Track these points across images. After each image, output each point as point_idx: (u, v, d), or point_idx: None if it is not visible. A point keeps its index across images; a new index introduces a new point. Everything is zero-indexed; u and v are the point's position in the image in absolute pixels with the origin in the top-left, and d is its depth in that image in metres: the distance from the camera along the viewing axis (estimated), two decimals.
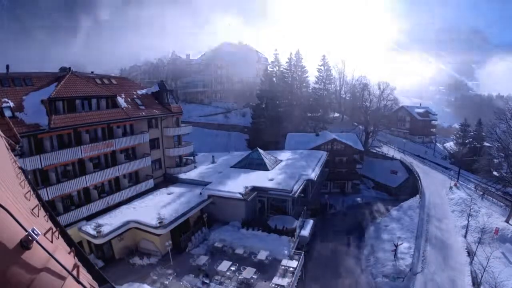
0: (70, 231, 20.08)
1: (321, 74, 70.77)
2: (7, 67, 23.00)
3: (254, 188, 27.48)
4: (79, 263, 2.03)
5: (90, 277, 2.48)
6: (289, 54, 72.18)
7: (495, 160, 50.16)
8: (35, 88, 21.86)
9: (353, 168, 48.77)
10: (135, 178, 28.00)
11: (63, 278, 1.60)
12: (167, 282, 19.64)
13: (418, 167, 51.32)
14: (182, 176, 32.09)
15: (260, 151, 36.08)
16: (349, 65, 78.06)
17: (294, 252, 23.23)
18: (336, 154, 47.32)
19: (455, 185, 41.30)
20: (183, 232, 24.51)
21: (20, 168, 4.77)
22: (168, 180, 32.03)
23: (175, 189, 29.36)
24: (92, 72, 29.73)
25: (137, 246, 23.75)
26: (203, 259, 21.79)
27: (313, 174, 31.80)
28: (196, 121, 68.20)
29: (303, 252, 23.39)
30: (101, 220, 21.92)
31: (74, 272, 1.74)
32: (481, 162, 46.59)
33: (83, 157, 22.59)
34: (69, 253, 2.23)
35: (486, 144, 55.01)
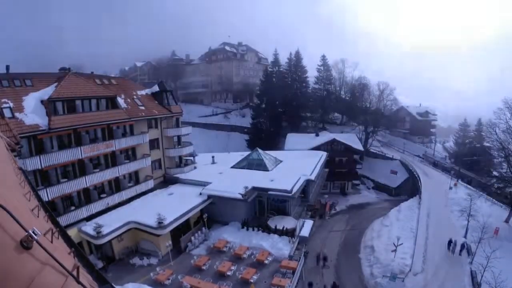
0: (70, 232, 20.07)
1: (321, 74, 70.77)
2: (7, 67, 23.00)
3: (254, 189, 27.47)
4: (79, 264, 2.02)
5: (90, 277, 2.48)
6: (289, 54, 72.20)
7: (495, 160, 50.26)
8: (35, 89, 21.83)
9: (353, 168, 48.77)
10: (135, 178, 27.98)
11: (63, 278, 1.60)
12: (167, 283, 19.62)
13: (418, 167, 51.33)
14: (182, 176, 32.07)
15: (260, 151, 36.11)
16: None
17: (294, 252, 23.23)
18: (336, 154, 47.31)
19: (455, 185, 41.31)
20: (183, 233, 24.51)
21: (20, 168, 4.77)
22: (168, 181, 32.03)
23: (175, 190, 29.36)
24: (91, 73, 29.71)
25: (137, 246, 23.75)
26: (203, 260, 21.79)
27: (313, 175, 31.80)
28: (196, 122, 68.39)
29: (303, 253, 23.39)
30: (101, 221, 21.86)
31: (74, 273, 1.74)
32: (480, 162, 46.72)
33: (83, 158, 22.57)
34: (69, 253, 2.23)
35: (486, 144, 55.06)
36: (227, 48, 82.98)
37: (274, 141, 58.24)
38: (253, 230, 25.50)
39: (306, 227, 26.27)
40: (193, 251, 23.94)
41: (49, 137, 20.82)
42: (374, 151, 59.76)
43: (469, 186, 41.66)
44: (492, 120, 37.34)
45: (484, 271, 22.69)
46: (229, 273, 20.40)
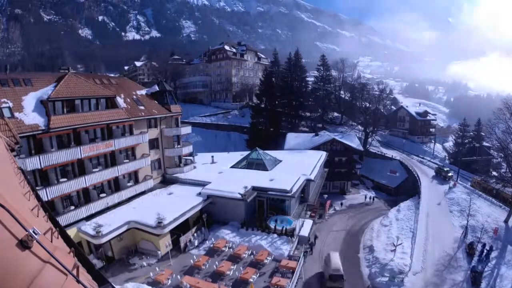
0: (70, 232, 20.06)
1: (320, 74, 70.82)
2: (6, 67, 23.01)
3: (254, 188, 27.49)
4: (79, 263, 2.03)
5: (90, 277, 2.48)
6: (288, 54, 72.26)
7: (494, 160, 50.43)
8: (34, 89, 21.81)
9: (353, 168, 48.83)
10: (134, 178, 27.97)
11: (63, 278, 1.61)
12: (166, 282, 19.61)
13: (417, 167, 51.41)
14: (182, 176, 32.06)
15: (260, 151, 36.13)
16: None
17: (294, 252, 23.24)
18: (336, 154, 47.36)
19: (454, 185, 41.39)
20: (183, 232, 24.51)
21: (19, 168, 4.77)
22: (167, 180, 32.02)
23: (175, 189, 29.36)
24: (91, 72, 29.70)
25: (136, 246, 23.74)
26: (202, 260, 21.79)
27: (312, 174, 31.83)
28: (195, 121, 68.40)
29: (302, 252, 23.42)
30: (100, 220, 21.87)
31: (74, 272, 1.75)
32: (480, 162, 46.82)
33: (83, 158, 22.55)
34: (68, 253, 2.24)
35: (485, 144, 55.18)
36: (227, 47, 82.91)
37: (273, 141, 58.25)
38: (253, 230, 25.50)
39: (306, 227, 26.30)
40: (192, 250, 23.93)
41: (49, 137, 20.80)
42: (374, 151, 59.85)
43: (468, 186, 41.76)
44: (492, 120, 37.47)
45: (483, 271, 22.79)
46: (228, 272, 20.40)
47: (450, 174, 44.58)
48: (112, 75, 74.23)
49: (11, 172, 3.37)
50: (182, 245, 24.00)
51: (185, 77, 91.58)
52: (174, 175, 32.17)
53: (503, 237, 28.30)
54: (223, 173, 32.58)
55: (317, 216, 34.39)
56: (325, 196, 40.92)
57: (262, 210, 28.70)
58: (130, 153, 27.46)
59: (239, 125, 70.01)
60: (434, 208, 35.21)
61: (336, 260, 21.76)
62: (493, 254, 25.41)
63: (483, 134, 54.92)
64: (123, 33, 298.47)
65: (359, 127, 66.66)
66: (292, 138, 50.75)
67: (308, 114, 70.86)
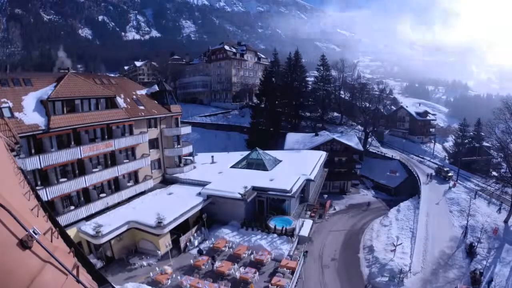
0: (70, 232, 20.07)
1: (320, 74, 70.78)
2: (6, 67, 23.01)
3: (254, 188, 27.48)
4: (78, 263, 2.03)
5: (89, 277, 2.49)
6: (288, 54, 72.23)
7: (494, 160, 50.46)
8: (35, 89, 21.80)
9: (353, 168, 48.85)
10: (134, 178, 27.97)
11: (63, 278, 1.61)
12: (166, 282, 19.62)
13: (417, 167, 51.43)
14: (182, 176, 32.06)
15: (260, 151, 36.11)
16: None
17: (294, 252, 23.23)
18: (336, 154, 47.39)
19: (454, 185, 41.41)
20: (183, 232, 24.52)
21: (19, 168, 4.78)
22: (167, 180, 32.01)
23: (175, 189, 29.36)
24: (91, 72, 29.69)
25: (136, 246, 23.74)
26: (202, 259, 21.78)
27: (312, 174, 31.82)
28: (195, 121, 68.43)
29: (302, 252, 23.42)
30: (100, 220, 21.85)
31: (74, 272, 1.76)
32: (480, 162, 46.81)
33: (83, 158, 22.54)
34: (68, 253, 2.24)
35: (485, 144, 55.20)
36: (227, 47, 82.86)
37: (273, 141, 58.27)
38: (253, 229, 25.51)
39: (306, 227, 26.28)
40: (192, 250, 23.93)
41: (49, 137, 20.78)
42: (374, 151, 59.84)
43: (468, 186, 41.77)
44: (492, 120, 37.52)
45: (483, 270, 22.83)
46: (228, 272, 20.41)
47: (450, 174, 44.62)
48: (112, 75, 74.29)
49: (11, 172, 3.37)
50: (182, 245, 24.01)
51: (185, 77, 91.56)
52: (174, 175, 32.16)
53: (502, 237, 28.33)
54: (223, 173, 32.57)
55: (317, 216, 34.40)
56: (325, 196, 40.94)
57: (262, 210, 28.69)
58: (130, 153, 27.45)
59: (239, 125, 69.98)
60: (434, 208, 35.23)
61: None
62: (492, 253, 25.46)
63: (483, 134, 54.92)
64: (123, 33, 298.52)
65: (359, 127, 66.64)
66: (292, 138, 50.75)
67: (308, 114, 70.80)
